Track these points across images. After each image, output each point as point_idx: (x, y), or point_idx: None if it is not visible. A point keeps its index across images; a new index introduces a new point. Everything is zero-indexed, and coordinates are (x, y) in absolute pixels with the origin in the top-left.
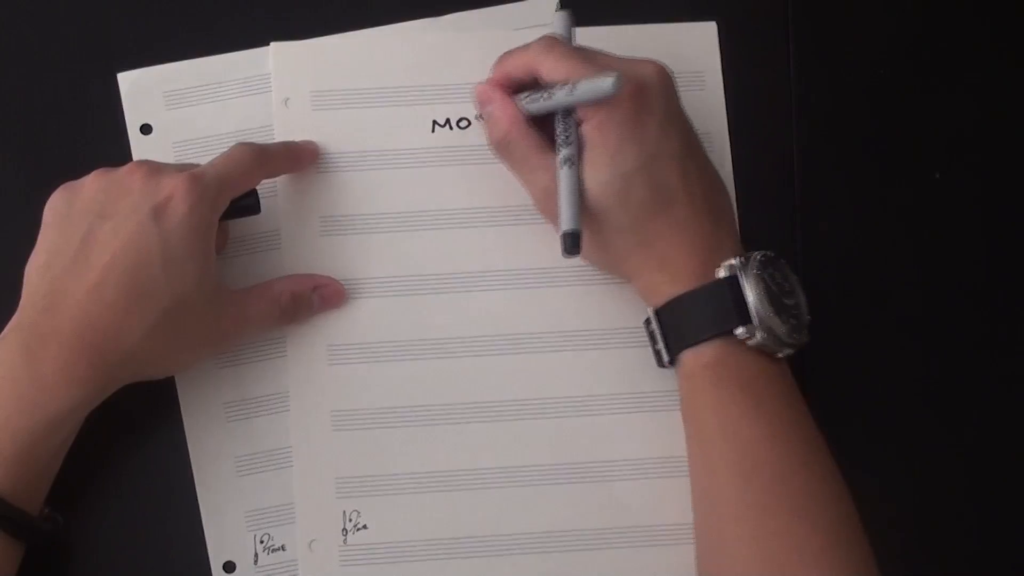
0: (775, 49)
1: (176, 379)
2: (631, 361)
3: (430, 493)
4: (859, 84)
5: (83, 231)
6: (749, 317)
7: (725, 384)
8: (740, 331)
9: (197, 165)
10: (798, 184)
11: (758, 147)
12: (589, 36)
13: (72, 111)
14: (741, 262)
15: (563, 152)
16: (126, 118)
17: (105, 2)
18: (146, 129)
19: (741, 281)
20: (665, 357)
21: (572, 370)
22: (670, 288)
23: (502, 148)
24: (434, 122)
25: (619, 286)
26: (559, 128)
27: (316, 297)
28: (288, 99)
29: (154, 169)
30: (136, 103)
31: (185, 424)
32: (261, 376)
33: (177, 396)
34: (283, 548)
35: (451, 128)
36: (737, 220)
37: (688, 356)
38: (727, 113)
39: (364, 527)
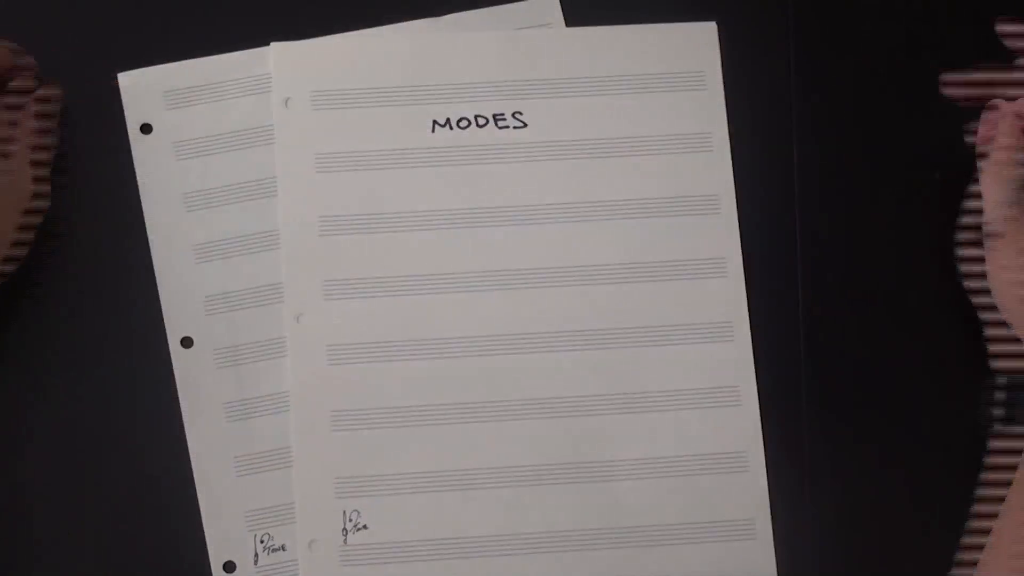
0: (775, 49)
1: (176, 379)
2: (631, 361)
3: (430, 493)
4: (859, 84)
5: None
6: None
7: None
8: None
9: None
10: (798, 184)
11: (758, 147)
12: (589, 36)
13: (72, 111)
14: None
15: None
16: (126, 118)
17: (105, 2)
18: (146, 129)
19: None
20: (998, 421)
21: (572, 370)
22: None
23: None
24: (434, 122)
25: (619, 287)
26: None
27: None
28: (288, 99)
29: None
30: (136, 103)
31: (185, 424)
32: (261, 376)
33: (177, 396)
34: (283, 548)
35: (451, 128)
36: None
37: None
38: (727, 113)
39: (364, 527)
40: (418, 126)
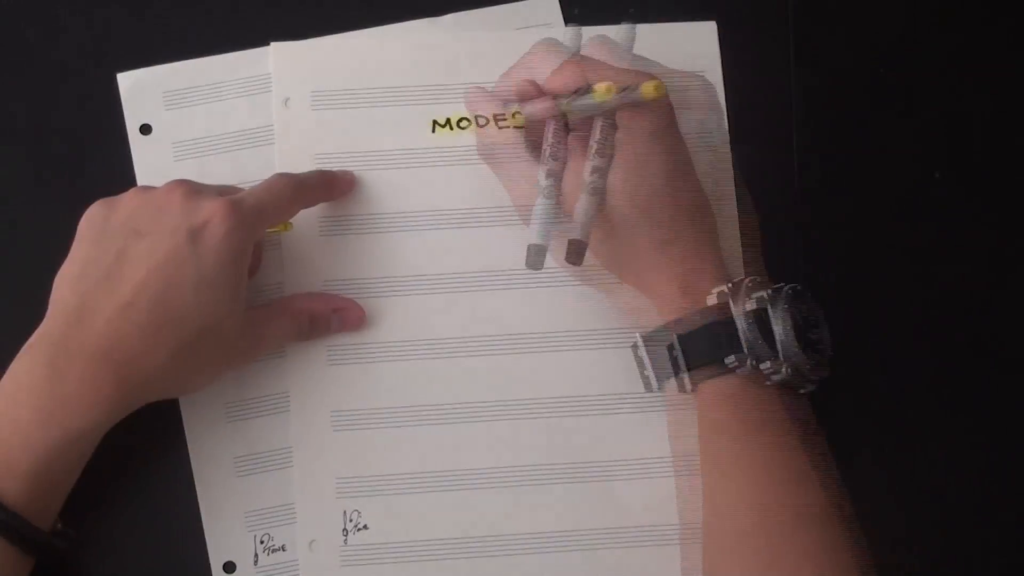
0: (775, 49)
1: None
2: (631, 361)
3: (430, 493)
4: (859, 84)
5: (119, 246)
6: (776, 351)
7: (744, 421)
8: (765, 365)
9: (235, 188)
10: (798, 184)
11: (758, 147)
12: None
13: (72, 111)
14: (770, 294)
15: (595, 162)
16: (126, 118)
17: (105, 2)
18: (146, 129)
19: (770, 314)
20: (688, 386)
21: (572, 370)
22: (653, 316)
23: (485, 153)
24: (434, 122)
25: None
26: (597, 135)
27: (335, 319)
28: (288, 99)
29: (194, 190)
30: (136, 103)
31: (185, 424)
32: (261, 376)
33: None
34: (283, 548)
35: (451, 128)
36: None
37: (708, 386)
38: (727, 113)
39: (364, 527)
40: (418, 126)
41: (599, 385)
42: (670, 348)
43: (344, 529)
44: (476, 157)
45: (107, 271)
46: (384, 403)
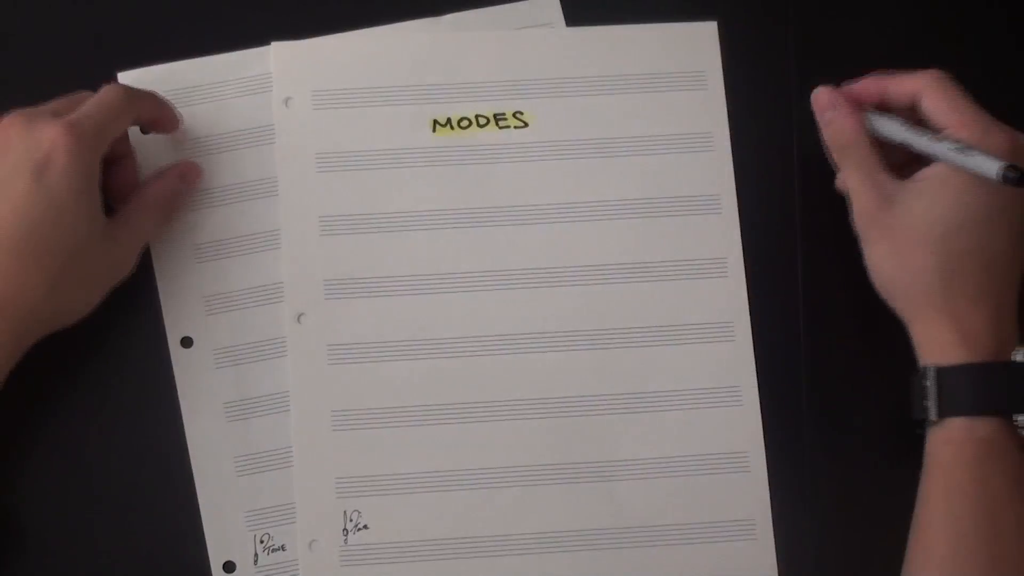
0: (775, 49)
1: (176, 379)
2: (632, 361)
3: (430, 493)
4: None
5: None
6: None
7: (990, 463)
8: (1021, 419)
9: (74, 99)
10: (798, 184)
11: (758, 147)
12: (590, 36)
13: None
14: None
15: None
16: None
17: (105, 2)
18: (145, 129)
19: None
20: (932, 414)
21: (572, 370)
22: (960, 351)
23: (840, 152)
24: (434, 122)
25: (619, 287)
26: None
27: (182, 184)
28: (289, 99)
29: (29, 119)
30: None
31: (185, 424)
32: (261, 376)
33: (177, 396)
34: (283, 548)
35: (451, 128)
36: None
37: (957, 424)
38: (728, 113)
39: (365, 527)
40: (418, 126)
41: (600, 385)
42: (961, 385)
43: (344, 529)
44: (476, 157)
45: None
46: (384, 403)
